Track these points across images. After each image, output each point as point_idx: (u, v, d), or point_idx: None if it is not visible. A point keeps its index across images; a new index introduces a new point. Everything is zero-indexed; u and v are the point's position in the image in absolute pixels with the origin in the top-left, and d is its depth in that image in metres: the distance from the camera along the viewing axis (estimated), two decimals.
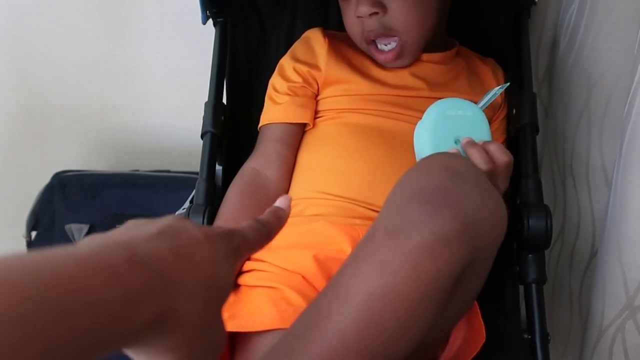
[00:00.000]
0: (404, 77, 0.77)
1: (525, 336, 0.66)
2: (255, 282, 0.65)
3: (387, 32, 0.73)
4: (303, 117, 0.77)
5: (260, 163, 0.76)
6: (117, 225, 1.15)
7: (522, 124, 0.73)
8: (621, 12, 0.73)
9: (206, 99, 1.16)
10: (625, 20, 0.73)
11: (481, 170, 0.57)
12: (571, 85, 0.81)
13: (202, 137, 0.80)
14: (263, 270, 0.65)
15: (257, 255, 0.68)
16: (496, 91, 0.66)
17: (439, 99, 0.76)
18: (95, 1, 1.14)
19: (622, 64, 0.75)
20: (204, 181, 0.76)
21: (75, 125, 1.23)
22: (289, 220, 0.70)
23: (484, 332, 0.58)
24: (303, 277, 0.63)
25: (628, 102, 0.64)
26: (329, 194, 0.71)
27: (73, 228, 1.07)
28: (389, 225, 0.48)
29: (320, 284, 0.62)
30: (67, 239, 1.06)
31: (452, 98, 0.66)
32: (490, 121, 0.78)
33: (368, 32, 0.73)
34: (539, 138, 0.77)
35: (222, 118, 0.81)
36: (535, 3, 0.80)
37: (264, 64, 0.90)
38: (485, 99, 0.66)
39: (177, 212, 0.81)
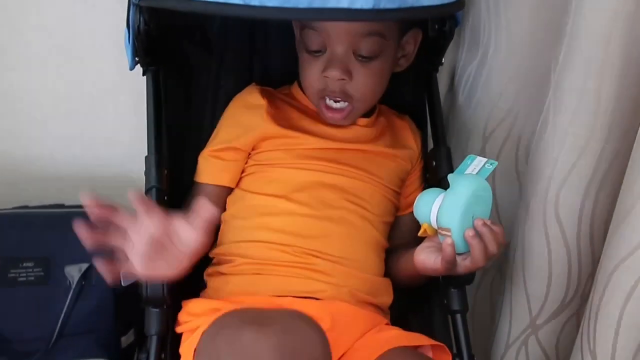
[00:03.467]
0: (336, 134, 0.85)
1: None
2: None
3: (344, 97, 0.80)
4: (224, 179, 0.84)
5: None
6: (12, 271, 1.06)
7: (442, 176, 0.85)
8: (515, 80, 0.88)
9: (101, 129, 1.13)
10: (518, 86, 0.88)
11: None
12: (468, 134, 0.96)
13: (146, 193, 0.79)
14: None
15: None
16: (486, 165, 0.73)
17: (368, 152, 0.85)
18: None
19: (513, 121, 0.91)
20: None
21: None
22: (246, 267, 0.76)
23: None
24: None
25: (534, 161, 0.79)
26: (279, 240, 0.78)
27: None
28: None
29: None
30: None
31: (479, 178, 0.72)
32: (410, 171, 0.90)
33: (330, 91, 0.80)
34: None
35: (165, 172, 0.80)
36: (442, 64, 0.92)
37: (190, 110, 0.92)
38: (481, 174, 0.73)
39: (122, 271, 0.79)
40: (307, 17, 0.72)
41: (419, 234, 0.75)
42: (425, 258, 0.74)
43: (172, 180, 0.84)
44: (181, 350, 0.73)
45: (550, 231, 0.76)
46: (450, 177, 0.73)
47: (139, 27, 0.76)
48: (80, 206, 1.08)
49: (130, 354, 1.04)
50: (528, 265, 0.80)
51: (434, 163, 0.87)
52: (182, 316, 0.76)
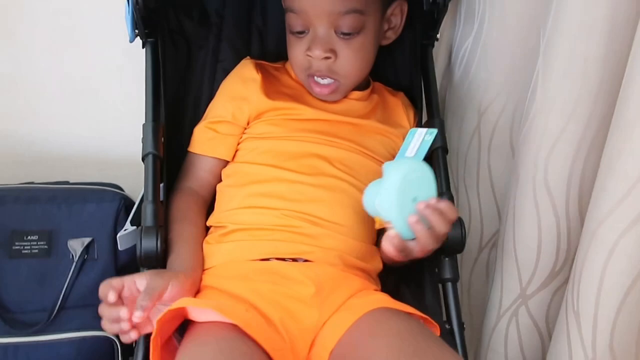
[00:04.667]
0: (329, 107, 0.87)
1: (447, 326, 0.80)
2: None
3: (330, 74, 0.82)
4: (219, 151, 0.86)
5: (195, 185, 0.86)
6: (16, 243, 1.08)
7: (435, 147, 0.86)
8: (509, 52, 0.89)
9: (107, 109, 1.16)
10: (512, 59, 0.89)
11: None
12: (464, 110, 0.96)
13: (143, 159, 0.81)
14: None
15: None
16: (426, 137, 0.72)
17: (361, 126, 0.86)
18: None
19: (507, 95, 0.91)
20: (151, 203, 0.78)
21: None
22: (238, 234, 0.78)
23: None
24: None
25: (524, 129, 0.79)
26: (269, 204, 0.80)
27: None
28: None
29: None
30: None
31: (410, 160, 0.71)
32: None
33: (315, 70, 0.82)
34: None
35: (162, 139, 0.82)
36: (437, 39, 0.93)
37: (188, 85, 0.94)
38: (420, 150, 0.72)
39: (118, 234, 0.81)
40: None
41: (376, 227, 0.75)
42: (386, 248, 0.74)
43: (170, 150, 0.86)
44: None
45: (539, 199, 0.76)
46: (383, 166, 0.71)
47: None
48: (85, 183, 1.11)
49: None
50: (518, 234, 0.80)
51: None
52: None
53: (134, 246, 0.79)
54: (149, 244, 0.74)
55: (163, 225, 0.78)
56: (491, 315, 0.86)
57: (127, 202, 1.06)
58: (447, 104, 1.00)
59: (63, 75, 1.14)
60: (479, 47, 0.91)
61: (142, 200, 0.82)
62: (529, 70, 0.85)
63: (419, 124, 0.93)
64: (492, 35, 0.88)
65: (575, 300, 0.65)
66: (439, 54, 1.01)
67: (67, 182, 1.12)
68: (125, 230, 0.82)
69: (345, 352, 0.68)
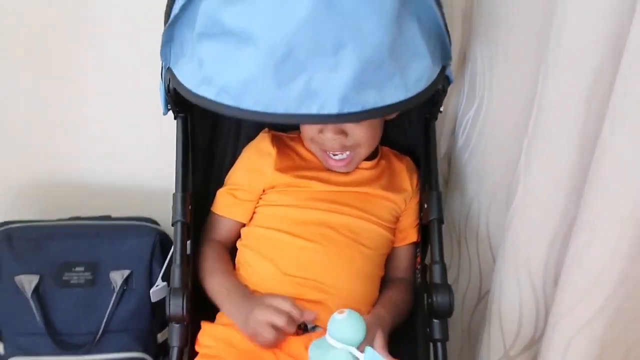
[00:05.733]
0: (338, 179, 0.96)
1: None
2: None
3: (343, 150, 0.91)
4: (237, 215, 0.96)
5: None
6: (65, 274, 1.22)
7: (432, 218, 0.93)
8: (504, 124, 0.96)
9: (145, 149, 1.27)
10: (507, 131, 0.95)
11: None
12: (465, 176, 1.04)
13: (172, 225, 0.93)
14: None
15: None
16: None
17: (367, 193, 0.95)
18: (32, 45, 1.16)
19: (505, 165, 0.98)
20: (178, 267, 0.89)
21: (4, 170, 1.26)
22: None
23: None
24: None
25: (508, 215, 0.87)
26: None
27: (23, 279, 1.14)
28: None
29: None
30: (16, 289, 1.12)
31: None
32: (404, 209, 0.99)
33: (329, 148, 0.91)
34: None
35: (190, 207, 0.93)
36: (441, 112, 1.00)
37: (214, 152, 1.05)
38: None
39: (151, 290, 0.94)
40: (284, 121, 0.83)
41: None
42: None
43: (196, 210, 0.97)
44: None
45: (521, 278, 0.84)
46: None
47: (168, 85, 0.87)
48: (125, 218, 1.24)
49: (166, 348, 1.19)
50: (502, 303, 0.89)
51: (425, 205, 0.96)
52: (201, 337, 0.89)
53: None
54: (177, 303, 0.86)
55: (188, 287, 0.89)
56: None
57: (162, 237, 1.19)
58: (451, 168, 1.08)
59: (108, 118, 1.26)
60: (478, 122, 0.98)
61: (171, 260, 0.94)
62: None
63: (422, 189, 1.00)
64: (491, 114, 0.95)
65: None
66: (445, 120, 1.09)
67: (109, 217, 1.25)
68: (157, 286, 0.94)
69: None
